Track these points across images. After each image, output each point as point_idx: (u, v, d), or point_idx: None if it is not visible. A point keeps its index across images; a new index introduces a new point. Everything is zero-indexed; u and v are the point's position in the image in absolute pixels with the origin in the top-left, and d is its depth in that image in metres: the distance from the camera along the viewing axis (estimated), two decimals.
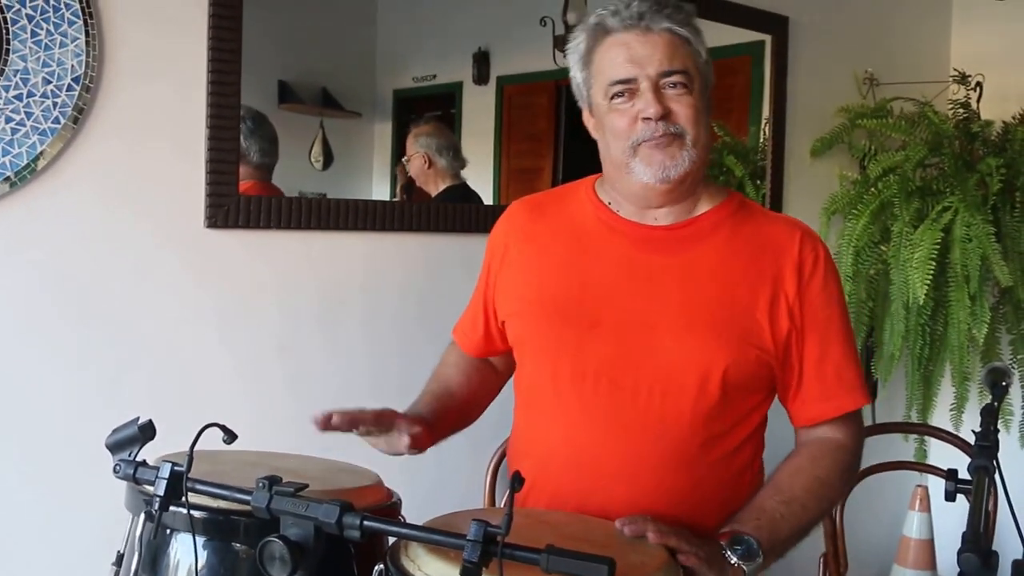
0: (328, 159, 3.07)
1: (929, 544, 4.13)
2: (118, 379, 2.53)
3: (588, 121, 2.26)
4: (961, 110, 4.27)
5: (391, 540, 1.70)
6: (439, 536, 1.45)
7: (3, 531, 2.40)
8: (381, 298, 3.01)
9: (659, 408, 2.07)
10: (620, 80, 2.09)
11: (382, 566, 1.63)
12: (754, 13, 3.91)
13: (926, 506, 4.12)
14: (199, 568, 1.69)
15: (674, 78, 2.07)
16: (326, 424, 1.92)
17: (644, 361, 2.09)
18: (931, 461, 4.01)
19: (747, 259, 2.16)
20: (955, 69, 4.37)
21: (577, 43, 2.19)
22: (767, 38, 4.00)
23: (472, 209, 3.14)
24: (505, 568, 1.36)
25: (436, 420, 2.21)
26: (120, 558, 1.83)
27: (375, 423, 2.03)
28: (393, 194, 3.25)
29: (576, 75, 2.22)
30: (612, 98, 2.11)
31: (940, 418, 4.10)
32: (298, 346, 2.85)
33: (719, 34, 3.81)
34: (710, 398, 2.07)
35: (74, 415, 2.46)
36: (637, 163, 2.10)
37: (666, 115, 2.07)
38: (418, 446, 2.09)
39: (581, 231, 2.25)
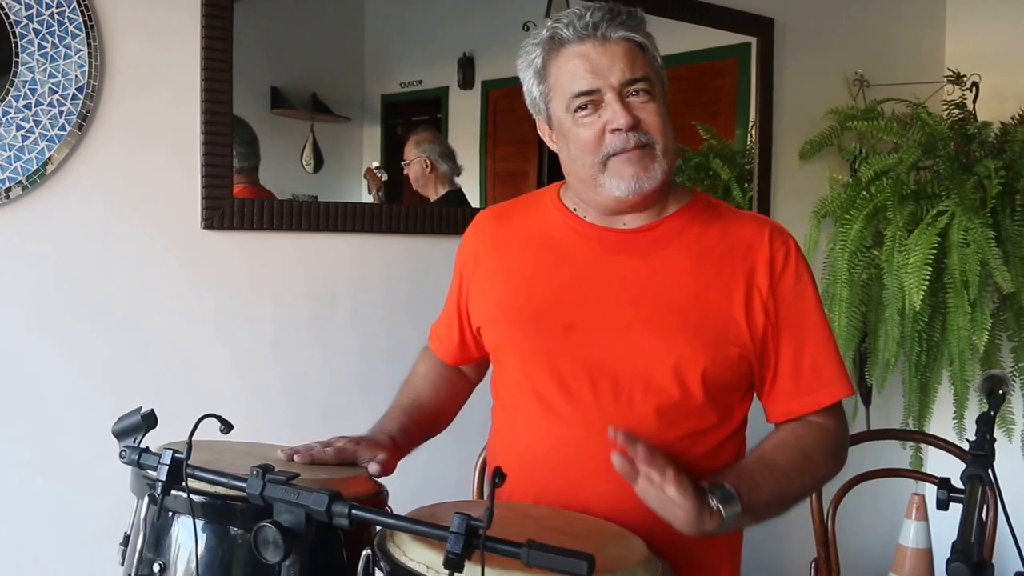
0: (319, 162, 3.31)
1: (927, 553, 4.23)
2: (122, 371, 2.80)
3: (545, 133, 2.35)
4: (956, 111, 4.40)
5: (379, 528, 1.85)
6: (423, 527, 1.53)
7: (18, 515, 2.69)
8: (370, 297, 3.25)
9: (639, 407, 2.18)
10: (583, 92, 2.17)
11: (370, 552, 1.76)
12: (738, 15, 4.09)
13: (923, 514, 4.20)
14: (199, 550, 1.85)
15: (637, 86, 2.16)
16: (289, 460, 2.10)
17: (620, 362, 2.19)
18: (931, 469, 4.17)
19: (718, 257, 2.25)
20: (949, 69, 4.50)
21: (532, 57, 2.27)
22: (752, 40, 4.17)
23: (457, 212, 3.37)
24: (487, 560, 1.44)
25: (404, 436, 2.36)
26: (127, 538, 2.00)
27: (336, 461, 2.15)
28: (391, 198, 3.47)
29: (532, 89, 2.30)
30: (575, 111, 2.20)
31: (941, 426, 4.19)
32: (291, 343, 3.11)
33: (704, 37, 4.05)
34: (689, 397, 2.18)
35: (82, 405, 2.73)
36: (608, 178, 2.20)
37: (635, 124, 2.16)
38: (385, 471, 2.20)
39: (550, 237, 2.35)
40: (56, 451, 2.73)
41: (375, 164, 3.49)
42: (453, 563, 1.43)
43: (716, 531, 1.95)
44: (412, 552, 1.71)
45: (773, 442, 2.25)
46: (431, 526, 1.52)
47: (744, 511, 2.00)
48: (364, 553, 1.76)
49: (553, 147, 2.35)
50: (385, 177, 3.49)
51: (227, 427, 1.78)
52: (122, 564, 1.98)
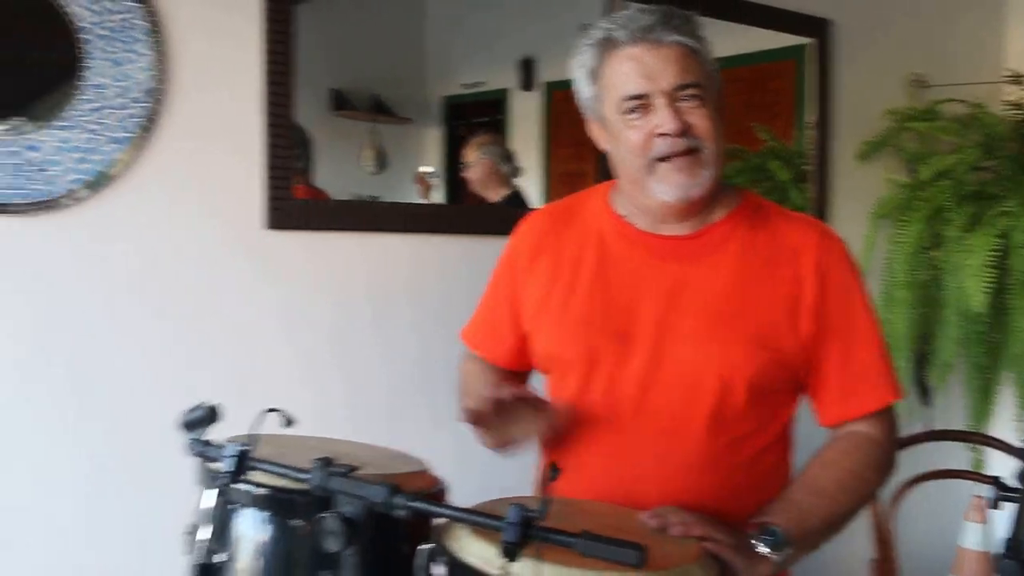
0: (380, 164, 3.35)
1: (988, 556, 4.28)
2: (188, 368, 2.86)
3: (595, 134, 2.33)
4: (1017, 111, 4.37)
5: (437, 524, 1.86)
6: (479, 518, 1.55)
7: (90, 507, 2.76)
8: (429, 297, 3.28)
9: (688, 414, 2.18)
10: (634, 95, 2.15)
11: (429, 546, 1.76)
12: (795, 17, 4.10)
13: (984, 516, 4.25)
14: (262, 540, 1.86)
15: (689, 91, 2.14)
16: (479, 417, 2.11)
17: (669, 370, 2.20)
18: (994, 471, 4.16)
19: (765, 263, 2.25)
20: (1008, 69, 4.51)
21: (584, 58, 2.25)
22: (810, 41, 4.18)
23: (518, 213, 3.31)
24: (542, 551, 1.48)
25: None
26: (193, 528, 1.96)
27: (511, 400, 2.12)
28: (452, 199, 3.52)
29: (584, 90, 2.28)
30: (626, 113, 2.17)
31: (1006, 427, 4.17)
32: (351, 341, 3.15)
33: (761, 39, 4.07)
34: (736, 403, 2.18)
35: (149, 400, 2.78)
36: (655, 182, 2.18)
37: (684, 129, 2.13)
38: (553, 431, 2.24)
39: (601, 243, 2.34)
40: (124, 445, 2.79)
41: (425, 168, 3.52)
42: (509, 552, 1.44)
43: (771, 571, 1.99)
44: (470, 547, 1.72)
45: (819, 463, 2.25)
46: (488, 516, 1.53)
47: (796, 547, 2.02)
48: (423, 547, 1.77)
49: (604, 148, 2.34)
50: (435, 182, 3.51)
51: (289, 421, 1.79)
52: (188, 553, 1.96)
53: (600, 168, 3.51)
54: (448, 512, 1.62)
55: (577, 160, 3.70)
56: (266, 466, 1.76)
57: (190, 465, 1.96)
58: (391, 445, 2.21)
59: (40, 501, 2.73)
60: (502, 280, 2.53)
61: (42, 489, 2.73)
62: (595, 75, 2.24)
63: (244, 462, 1.74)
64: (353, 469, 1.64)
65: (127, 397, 2.79)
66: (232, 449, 1.74)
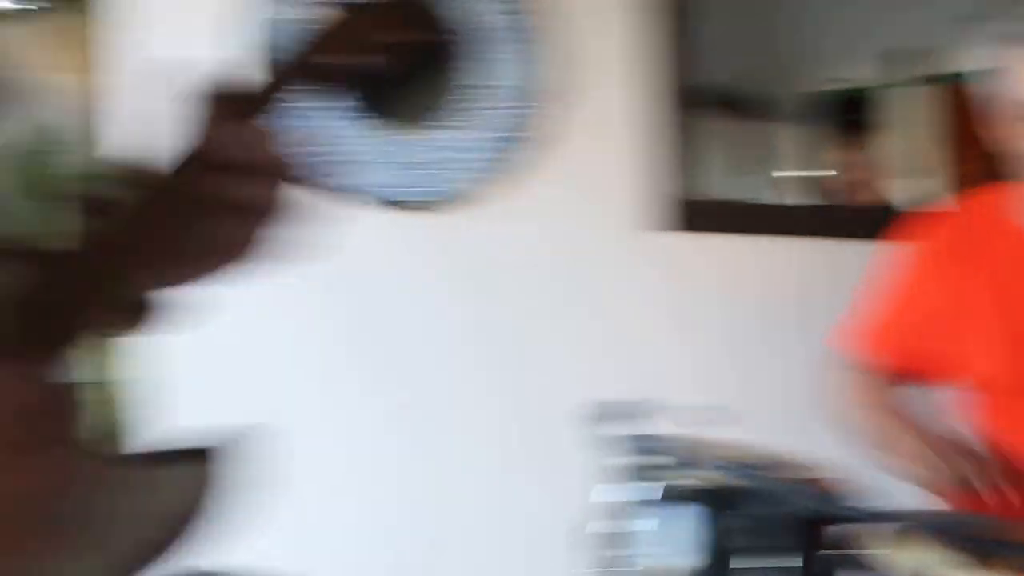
0: (746, 164, 3.33)
1: None
2: (587, 363, 2.94)
3: (991, 134, 2.13)
4: None
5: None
6: (939, 522, 1.55)
7: (510, 491, 2.90)
8: (814, 301, 3.14)
9: None
10: None
11: (837, 551, 1.70)
12: None
13: None
14: (672, 536, 1.83)
15: None
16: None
17: None
18: None
19: None
20: None
21: (987, 54, 2.08)
22: None
23: (901, 217, 3.19)
24: (998, 566, 1.43)
25: None
26: (594, 523, 1.98)
27: None
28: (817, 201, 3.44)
29: (983, 88, 2.10)
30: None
31: None
32: (742, 344, 3.15)
33: None
34: None
35: (551, 393, 2.85)
36: None
37: None
38: None
39: (1005, 256, 2.18)
40: (523, 439, 2.90)
41: (815, 171, 3.46)
42: (982, 561, 1.42)
43: None
44: (895, 555, 1.63)
45: None
46: (946, 519, 1.56)
47: None
48: (825, 553, 1.70)
49: (999, 150, 2.12)
50: (832, 183, 3.45)
51: (733, 420, 1.80)
52: (582, 548, 1.99)
53: (991, 170, 3.42)
54: (912, 511, 1.63)
55: (964, 161, 3.49)
56: (704, 464, 1.78)
57: (584, 459, 1.95)
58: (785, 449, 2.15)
59: (448, 491, 2.89)
60: (910, 285, 2.35)
61: (446, 480, 2.89)
62: (999, 74, 2.05)
63: (690, 458, 1.77)
64: (766, 469, 1.69)
65: (526, 393, 2.92)
66: (675, 444, 1.78)
